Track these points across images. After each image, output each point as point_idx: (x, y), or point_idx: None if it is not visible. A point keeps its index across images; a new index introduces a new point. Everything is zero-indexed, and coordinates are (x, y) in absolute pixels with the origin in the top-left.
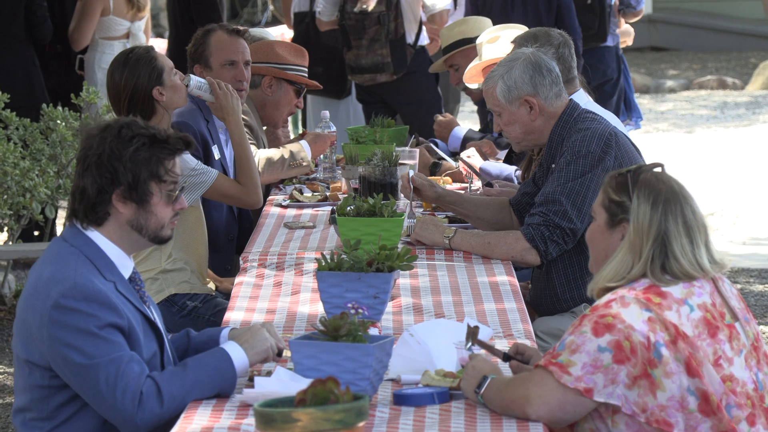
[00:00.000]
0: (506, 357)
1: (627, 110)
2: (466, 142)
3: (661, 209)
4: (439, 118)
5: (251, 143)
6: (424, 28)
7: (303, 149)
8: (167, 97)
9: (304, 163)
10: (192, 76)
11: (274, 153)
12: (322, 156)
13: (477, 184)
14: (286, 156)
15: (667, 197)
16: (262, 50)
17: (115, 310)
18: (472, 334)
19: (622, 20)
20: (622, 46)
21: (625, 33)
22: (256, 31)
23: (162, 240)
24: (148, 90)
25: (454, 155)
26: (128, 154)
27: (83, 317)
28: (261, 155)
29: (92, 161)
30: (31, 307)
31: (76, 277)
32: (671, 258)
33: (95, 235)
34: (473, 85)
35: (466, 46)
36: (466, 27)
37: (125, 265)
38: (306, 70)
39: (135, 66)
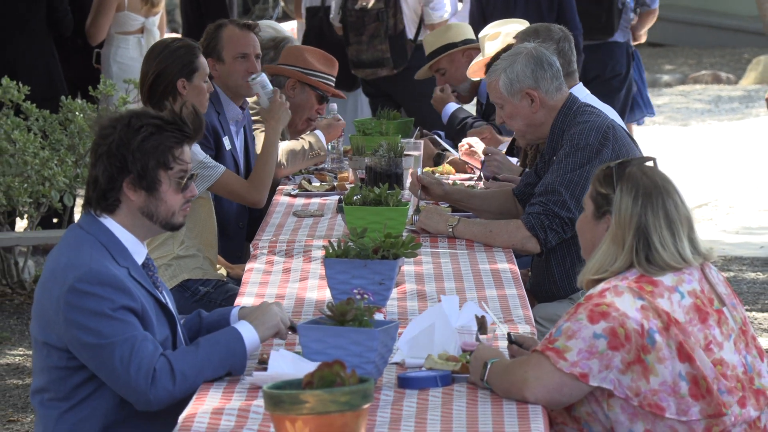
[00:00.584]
0: (510, 338)
1: (644, 106)
2: (452, 120)
3: (641, 202)
4: (437, 92)
5: None
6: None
7: (319, 139)
8: (188, 94)
9: (322, 153)
10: (264, 74)
11: (296, 144)
12: (330, 147)
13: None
14: (307, 147)
15: (648, 191)
16: (292, 54)
17: (129, 293)
18: (481, 324)
19: (636, 18)
20: (633, 43)
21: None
22: (265, 23)
23: (174, 227)
24: (174, 78)
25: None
26: (136, 143)
27: (98, 300)
28: (284, 146)
29: (103, 151)
30: (48, 291)
31: (91, 262)
32: (653, 250)
33: (109, 222)
34: (476, 79)
35: (450, 51)
36: (449, 33)
37: (138, 251)
38: (332, 79)
39: (173, 53)
